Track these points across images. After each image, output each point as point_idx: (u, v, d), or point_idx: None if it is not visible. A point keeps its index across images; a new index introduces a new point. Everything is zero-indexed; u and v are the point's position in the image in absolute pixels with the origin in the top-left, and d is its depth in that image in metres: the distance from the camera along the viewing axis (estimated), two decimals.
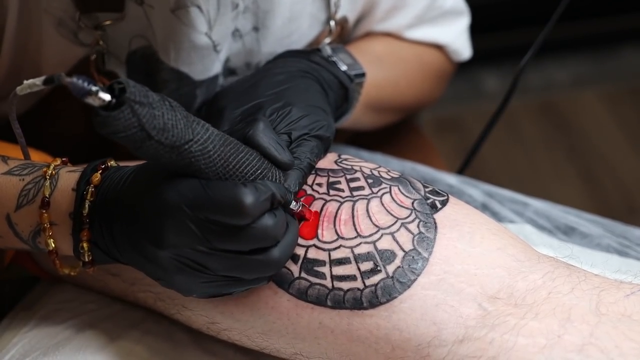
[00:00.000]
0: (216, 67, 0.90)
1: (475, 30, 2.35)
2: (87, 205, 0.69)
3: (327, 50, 0.88)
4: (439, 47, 1.05)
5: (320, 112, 0.78)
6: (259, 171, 0.67)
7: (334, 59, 0.88)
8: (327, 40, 0.94)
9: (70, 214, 0.70)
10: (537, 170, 2.12)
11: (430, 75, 1.06)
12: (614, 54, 2.37)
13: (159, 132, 0.60)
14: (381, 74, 0.95)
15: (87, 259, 0.70)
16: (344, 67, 0.87)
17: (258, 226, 0.64)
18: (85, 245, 0.70)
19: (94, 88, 0.58)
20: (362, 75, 0.89)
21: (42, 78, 0.60)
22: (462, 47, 1.06)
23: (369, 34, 1.01)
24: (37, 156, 0.87)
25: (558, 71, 2.33)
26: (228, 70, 0.92)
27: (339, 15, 0.94)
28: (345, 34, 0.97)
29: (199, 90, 0.90)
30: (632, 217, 1.94)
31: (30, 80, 0.62)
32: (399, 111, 1.07)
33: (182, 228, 0.63)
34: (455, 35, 1.05)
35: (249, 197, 0.63)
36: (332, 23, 0.93)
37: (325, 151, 0.77)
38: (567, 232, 0.96)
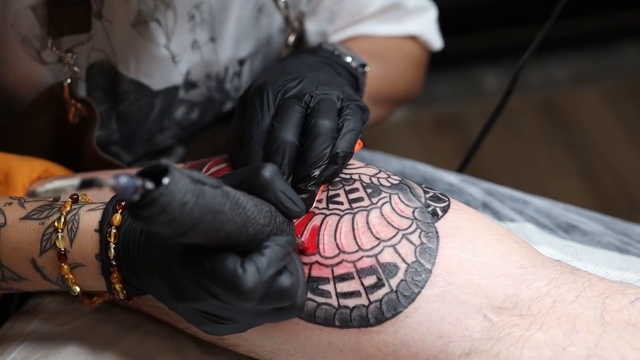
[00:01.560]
0: (175, 78, 0.91)
1: (475, 29, 2.34)
2: (112, 249, 0.69)
3: (330, 46, 0.90)
4: (413, 38, 1.07)
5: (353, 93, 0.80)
6: (269, 228, 0.64)
7: (338, 52, 0.89)
8: (292, 38, 0.96)
9: (97, 255, 0.70)
10: (537, 168, 2.12)
11: (413, 64, 1.08)
12: (614, 51, 2.36)
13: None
14: (374, 67, 0.96)
15: (122, 297, 0.71)
16: (348, 59, 0.89)
17: (274, 291, 0.63)
18: (117, 287, 0.70)
19: (139, 182, 0.54)
20: (365, 65, 0.91)
21: (78, 181, 0.54)
22: (433, 37, 1.08)
23: (346, 40, 1.02)
24: (57, 169, 0.87)
25: (558, 69, 2.33)
26: (189, 84, 0.93)
27: (293, 14, 0.96)
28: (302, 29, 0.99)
29: (157, 100, 0.91)
30: (633, 214, 1.94)
31: (58, 183, 0.54)
32: (393, 103, 1.08)
33: (194, 289, 0.62)
34: (426, 25, 1.07)
35: (248, 282, 0.60)
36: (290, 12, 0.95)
37: (364, 123, 0.78)
38: (568, 230, 0.96)
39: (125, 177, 0.52)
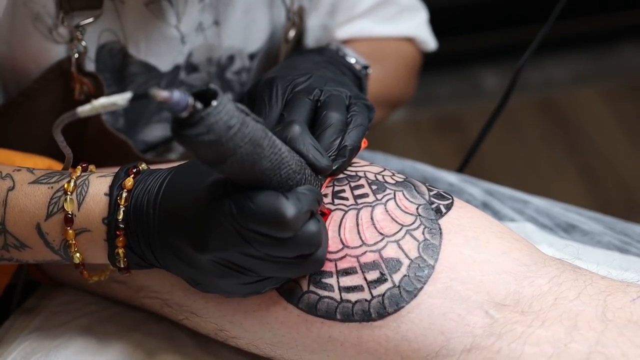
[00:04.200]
0: (179, 58, 0.92)
1: (475, 29, 2.34)
2: (122, 211, 0.68)
3: (334, 47, 0.91)
4: (409, 40, 1.08)
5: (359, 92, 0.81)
6: (299, 176, 0.66)
7: (342, 53, 0.90)
8: (292, 32, 0.96)
9: (104, 219, 0.69)
10: (537, 167, 2.12)
11: (409, 66, 1.09)
12: (613, 51, 2.37)
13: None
14: (374, 69, 0.96)
15: (122, 265, 0.70)
16: (352, 60, 0.90)
17: (303, 235, 0.64)
18: (120, 251, 0.69)
19: (190, 100, 0.56)
20: (367, 67, 0.92)
21: (130, 94, 0.56)
22: (427, 38, 1.09)
23: (346, 42, 1.03)
24: (60, 166, 0.86)
25: (557, 69, 2.33)
26: (191, 67, 0.94)
27: (295, 5, 0.96)
28: (304, 26, 1.00)
29: (162, 82, 0.92)
30: (633, 214, 1.94)
31: (104, 100, 0.56)
32: (390, 105, 1.09)
33: (226, 235, 0.63)
34: (420, 26, 1.08)
35: (291, 210, 0.62)
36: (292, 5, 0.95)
37: (370, 121, 0.78)
38: (568, 230, 0.96)
39: (178, 92, 0.55)
